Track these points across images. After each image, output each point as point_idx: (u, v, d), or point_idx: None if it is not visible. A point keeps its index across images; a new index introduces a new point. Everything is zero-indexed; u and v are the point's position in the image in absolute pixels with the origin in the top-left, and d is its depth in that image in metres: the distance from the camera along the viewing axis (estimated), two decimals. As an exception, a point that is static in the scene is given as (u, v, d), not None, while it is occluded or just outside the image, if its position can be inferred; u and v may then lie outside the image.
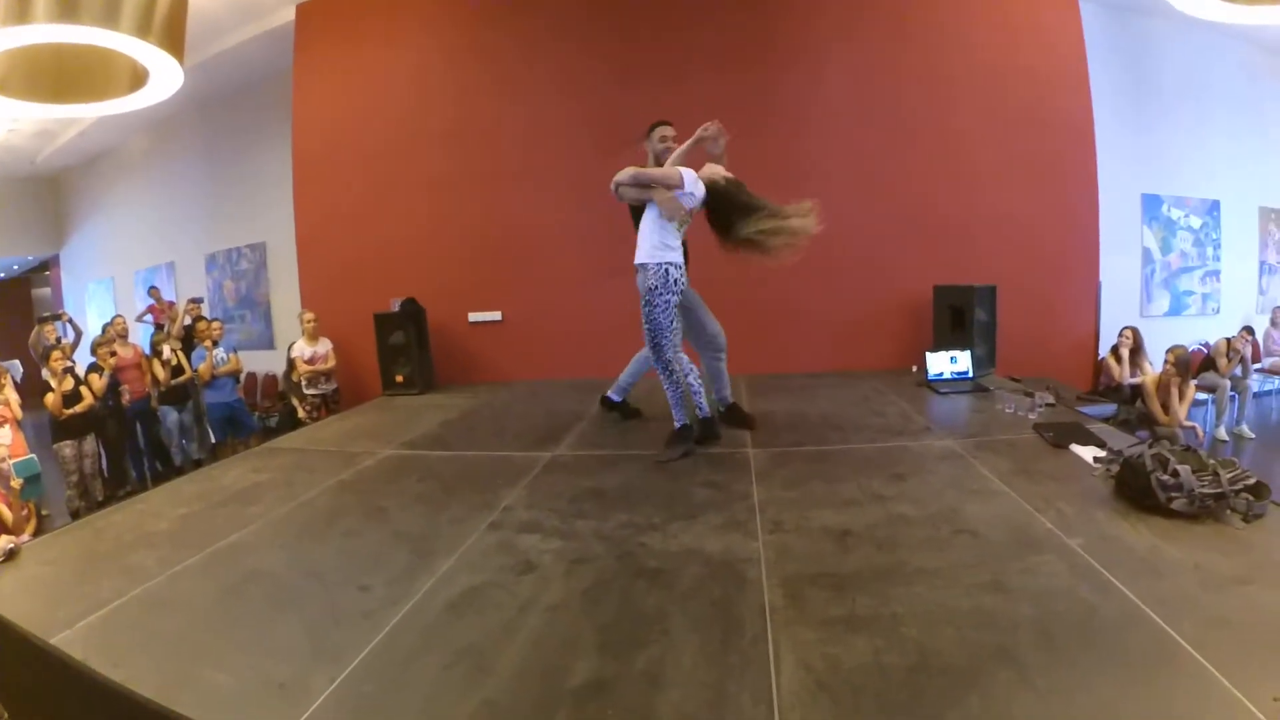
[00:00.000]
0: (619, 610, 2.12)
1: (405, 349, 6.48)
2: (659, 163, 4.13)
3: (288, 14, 7.60)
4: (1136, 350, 6.22)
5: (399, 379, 6.45)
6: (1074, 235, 6.56)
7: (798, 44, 6.56)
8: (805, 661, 1.79)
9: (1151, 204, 7.98)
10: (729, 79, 6.55)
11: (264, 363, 9.24)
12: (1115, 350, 6.28)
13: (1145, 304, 8.06)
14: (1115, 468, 2.94)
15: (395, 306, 6.56)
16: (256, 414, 7.50)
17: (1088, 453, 3.35)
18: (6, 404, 5.62)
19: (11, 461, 4.91)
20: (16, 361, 6.76)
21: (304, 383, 6.77)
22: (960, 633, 1.89)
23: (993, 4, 6.54)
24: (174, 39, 4.55)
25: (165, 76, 4.68)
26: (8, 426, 5.50)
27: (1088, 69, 6.50)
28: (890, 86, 6.53)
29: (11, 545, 2.82)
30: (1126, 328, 6.31)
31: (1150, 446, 2.81)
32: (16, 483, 4.80)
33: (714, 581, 2.27)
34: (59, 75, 4.91)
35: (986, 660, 1.76)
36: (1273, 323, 8.16)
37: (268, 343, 9.60)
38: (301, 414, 6.72)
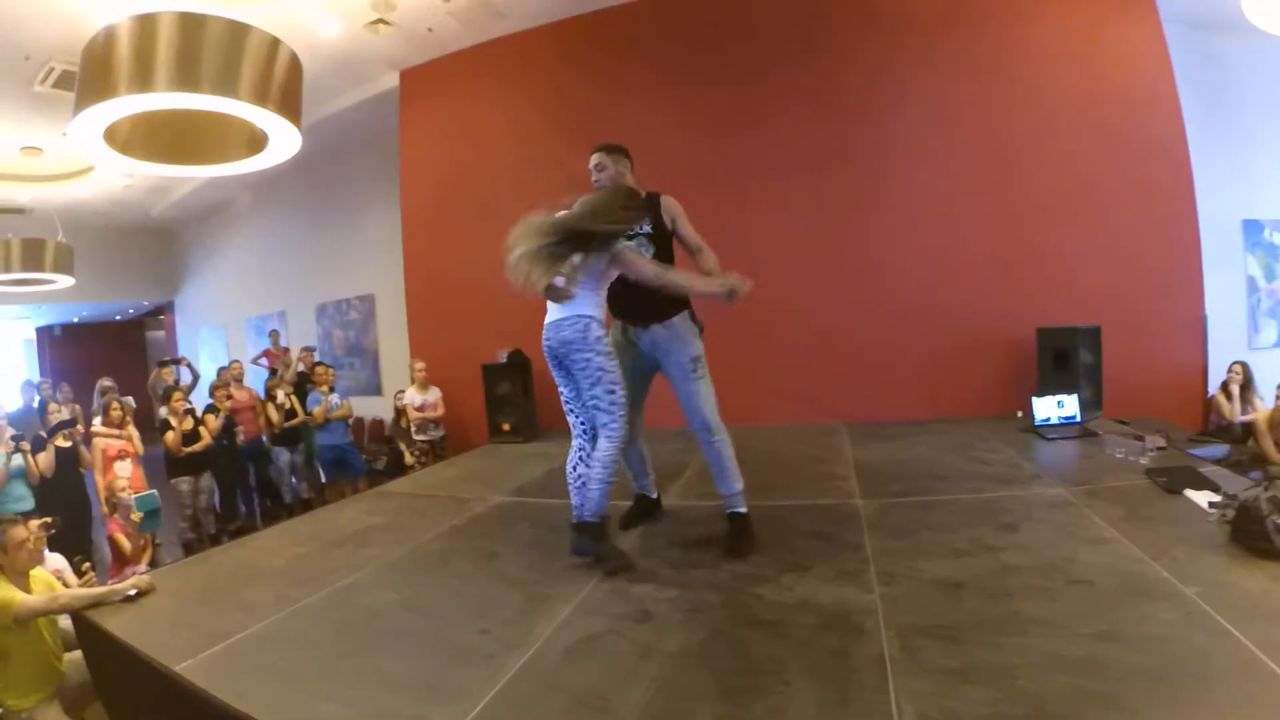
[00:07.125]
0: (737, 659, 2.17)
1: (511, 398, 6.68)
2: None
3: (392, 80, 8.06)
4: (1246, 385, 5.97)
5: (505, 427, 6.64)
6: (1175, 266, 6.30)
7: (873, 77, 6.53)
8: (924, 713, 1.81)
9: (1252, 229, 7.66)
10: (806, 119, 6.58)
11: (370, 408, 9.72)
12: (1225, 386, 6.03)
13: (1252, 335, 7.70)
14: (1230, 512, 2.87)
15: (502, 358, 6.77)
16: (364, 457, 7.81)
17: (1202, 498, 3.27)
18: (130, 439, 5.89)
19: (132, 495, 5.13)
20: (130, 399, 7.22)
21: (413, 429, 7.07)
22: (1074, 682, 1.89)
23: (1079, 31, 6.37)
24: (290, 105, 4.86)
25: (284, 140, 5.02)
26: (129, 460, 5.76)
27: (1176, 90, 6.30)
28: (974, 122, 6.41)
29: (135, 590, 2.99)
30: (1235, 362, 6.06)
31: (1265, 489, 2.74)
32: (136, 516, 5.01)
33: (830, 632, 2.30)
34: (178, 137, 5.26)
35: (1100, 710, 1.76)
36: None
37: (374, 389, 10.11)
38: (409, 459, 7.01)
